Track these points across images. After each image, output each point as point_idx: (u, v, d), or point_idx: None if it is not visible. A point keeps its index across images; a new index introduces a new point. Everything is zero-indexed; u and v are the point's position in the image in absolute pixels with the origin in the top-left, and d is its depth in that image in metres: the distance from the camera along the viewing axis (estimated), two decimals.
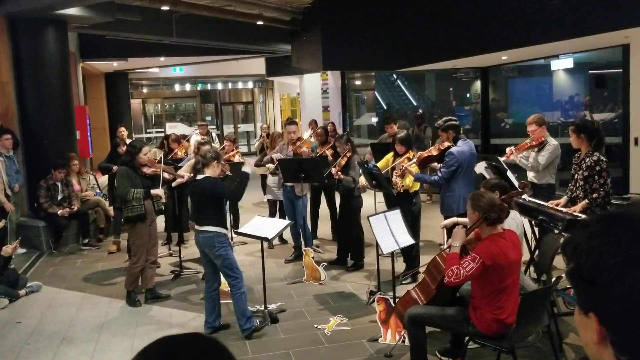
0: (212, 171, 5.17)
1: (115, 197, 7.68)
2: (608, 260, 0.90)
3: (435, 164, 6.28)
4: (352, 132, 15.46)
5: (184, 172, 6.88)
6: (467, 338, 4.03)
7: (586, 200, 5.06)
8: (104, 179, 9.12)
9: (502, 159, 6.11)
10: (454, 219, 4.75)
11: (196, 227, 5.20)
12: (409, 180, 6.19)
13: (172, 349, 0.93)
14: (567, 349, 4.54)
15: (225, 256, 5.10)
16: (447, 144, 6.10)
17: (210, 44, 13.37)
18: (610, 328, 0.91)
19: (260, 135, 11.42)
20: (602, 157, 5.06)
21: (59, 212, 8.24)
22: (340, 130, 13.03)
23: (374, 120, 16.08)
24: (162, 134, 13.70)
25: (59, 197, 8.43)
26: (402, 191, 6.18)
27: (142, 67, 17.46)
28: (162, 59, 15.18)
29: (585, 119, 5.53)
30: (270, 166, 7.73)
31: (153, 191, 6.05)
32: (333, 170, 6.90)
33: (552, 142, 6.17)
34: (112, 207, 8.47)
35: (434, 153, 6.16)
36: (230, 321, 5.34)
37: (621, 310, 0.89)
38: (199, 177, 5.19)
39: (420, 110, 14.12)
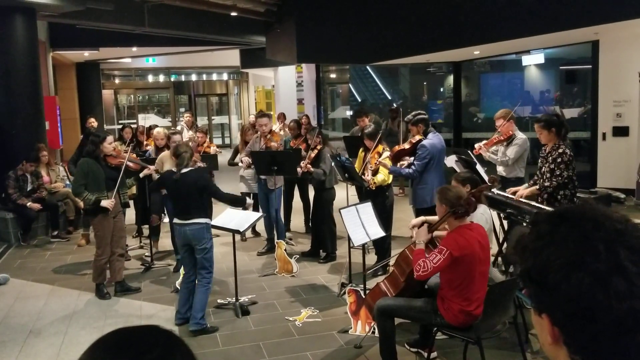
0: (193, 164, 5.33)
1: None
2: (555, 261, 0.89)
3: (406, 158, 6.33)
4: (327, 126, 15.47)
5: (155, 167, 6.78)
6: (435, 329, 4.08)
7: (537, 187, 5.17)
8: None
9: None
10: (422, 218, 4.78)
11: (177, 220, 5.18)
12: (381, 177, 6.22)
13: (124, 340, 0.91)
14: (532, 340, 4.63)
15: (210, 248, 5.20)
16: (418, 137, 6.15)
17: (183, 35, 13.21)
18: (562, 329, 0.91)
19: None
20: (567, 150, 5.14)
21: (28, 204, 8.11)
22: (315, 124, 13.01)
23: (349, 113, 16.11)
24: (135, 125, 13.50)
25: (28, 189, 8.29)
26: (374, 189, 6.20)
27: (114, 57, 17.20)
28: (134, 49, 14.96)
29: (549, 114, 5.62)
30: (242, 165, 7.69)
31: (103, 202, 5.78)
32: (302, 162, 6.90)
33: (521, 136, 6.26)
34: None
35: (407, 147, 6.22)
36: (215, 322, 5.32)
37: (570, 312, 0.88)
38: (185, 170, 5.15)
39: (394, 105, 14.18)
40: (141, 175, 6.70)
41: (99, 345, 0.91)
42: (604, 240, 0.88)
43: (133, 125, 10.82)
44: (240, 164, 7.71)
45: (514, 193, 5.41)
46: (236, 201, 5.65)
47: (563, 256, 0.89)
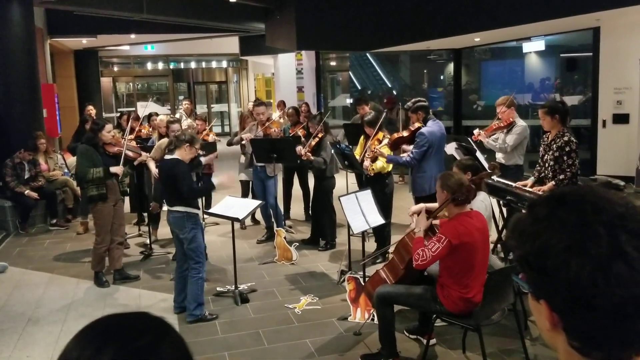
0: (181, 153, 5.05)
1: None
2: (554, 246, 0.86)
3: (405, 146, 6.29)
4: (327, 113, 15.39)
5: (153, 154, 6.75)
6: (434, 316, 4.08)
7: (553, 182, 5.10)
8: (72, 159, 8.95)
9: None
10: (422, 205, 4.75)
11: (165, 207, 5.15)
12: (380, 164, 6.19)
13: (114, 327, 0.90)
14: (532, 327, 4.62)
15: (193, 238, 5.05)
16: (417, 124, 6.11)
17: (182, 22, 13.12)
18: (561, 315, 0.89)
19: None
20: (572, 138, 5.07)
21: (26, 192, 8.09)
22: (314, 111, 12.96)
23: (349, 101, 16.06)
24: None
25: (26, 177, 8.26)
26: (372, 175, 6.18)
27: (113, 45, 17.10)
28: (132, 36, 14.86)
29: (554, 100, 5.55)
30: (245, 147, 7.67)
31: (112, 169, 5.85)
32: (302, 150, 6.86)
33: (521, 123, 6.22)
34: (80, 187, 8.32)
35: (405, 134, 6.17)
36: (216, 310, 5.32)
37: (569, 297, 0.86)
38: (167, 157, 5.13)
39: (394, 92, 14.13)
40: (135, 163, 6.66)
41: (88, 332, 0.89)
42: (605, 224, 0.85)
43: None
44: (242, 141, 7.60)
45: (525, 186, 5.35)
46: (206, 190, 5.44)
47: (562, 241, 0.86)
